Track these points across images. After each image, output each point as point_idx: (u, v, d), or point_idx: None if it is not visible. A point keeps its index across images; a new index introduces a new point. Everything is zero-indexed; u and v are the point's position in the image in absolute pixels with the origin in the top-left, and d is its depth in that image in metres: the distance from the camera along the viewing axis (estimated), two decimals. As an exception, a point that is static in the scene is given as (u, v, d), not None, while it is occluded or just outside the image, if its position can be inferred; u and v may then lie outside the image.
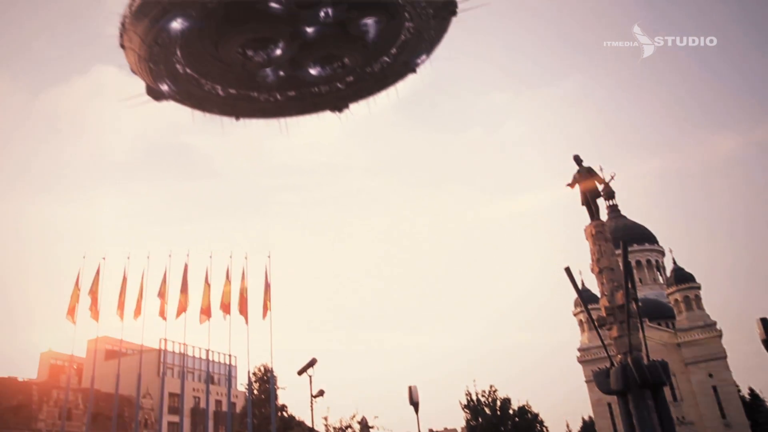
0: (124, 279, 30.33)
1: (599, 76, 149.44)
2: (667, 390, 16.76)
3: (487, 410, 54.00)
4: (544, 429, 56.84)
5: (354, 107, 5.37)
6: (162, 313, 30.12)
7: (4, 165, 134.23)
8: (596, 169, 20.35)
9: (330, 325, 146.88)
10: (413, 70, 5.14)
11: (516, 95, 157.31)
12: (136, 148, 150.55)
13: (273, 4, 4.47)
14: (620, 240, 19.42)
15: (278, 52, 4.95)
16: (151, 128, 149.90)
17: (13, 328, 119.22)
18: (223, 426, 54.02)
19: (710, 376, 57.58)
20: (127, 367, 37.83)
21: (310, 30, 4.83)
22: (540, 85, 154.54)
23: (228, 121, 5.38)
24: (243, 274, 30.43)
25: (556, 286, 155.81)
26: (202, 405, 54.71)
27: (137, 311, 29.81)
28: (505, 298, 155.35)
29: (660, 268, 74.02)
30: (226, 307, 29.94)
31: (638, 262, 71.37)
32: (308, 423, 35.68)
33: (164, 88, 5.10)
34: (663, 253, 74.01)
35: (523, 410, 55.04)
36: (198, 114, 5.39)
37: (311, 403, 25.20)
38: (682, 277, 62.56)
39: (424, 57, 4.98)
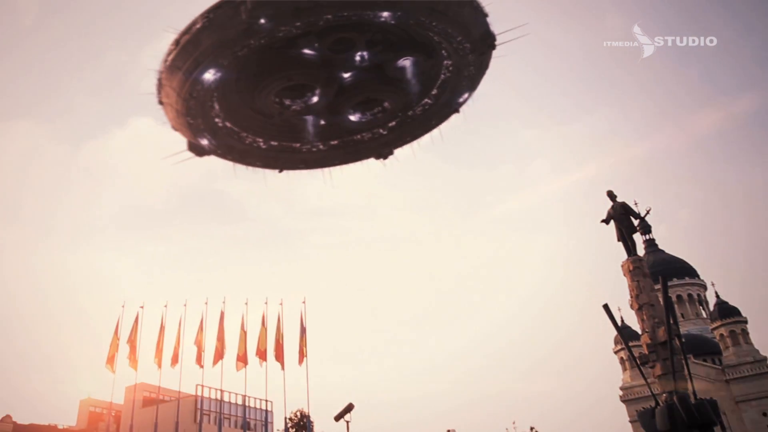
0: (162, 327, 30.87)
1: (627, 110, 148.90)
2: (717, 430, 16.01)
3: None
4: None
5: (398, 152, 5.37)
6: (199, 361, 30.42)
7: (45, 215, 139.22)
8: (631, 204, 20.19)
9: (368, 371, 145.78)
10: (456, 110, 5.12)
11: (544, 131, 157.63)
12: (171, 196, 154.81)
13: (306, 51, 4.60)
14: (659, 275, 19.05)
15: (315, 99, 5.00)
16: (186, 176, 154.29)
17: (54, 376, 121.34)
18: (260, 473, 53.34)
19: (764, 414, 54.79)
20: (164, 413, 37.96)
21: (346, 75, 4.88)
22: (569, 121, 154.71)
23: (271, 173, 5.48)
24: (279, 319, 30.71)
25: (593, 323, 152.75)
26: (239, 452, 54.23)
27: (174, 359, 30.16)
28: (546, 342, 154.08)
29: (702, 302, 71.66)
30: (262, 354, 30.12)
31: (679, 297, 69.34)
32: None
33: (204, 142, 5.23)
34: (705, 287, 71.73)
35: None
36: (240, 167, 5.54)
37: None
38: (726, 311, 60.34)
39: (466, 95, 4.94)
